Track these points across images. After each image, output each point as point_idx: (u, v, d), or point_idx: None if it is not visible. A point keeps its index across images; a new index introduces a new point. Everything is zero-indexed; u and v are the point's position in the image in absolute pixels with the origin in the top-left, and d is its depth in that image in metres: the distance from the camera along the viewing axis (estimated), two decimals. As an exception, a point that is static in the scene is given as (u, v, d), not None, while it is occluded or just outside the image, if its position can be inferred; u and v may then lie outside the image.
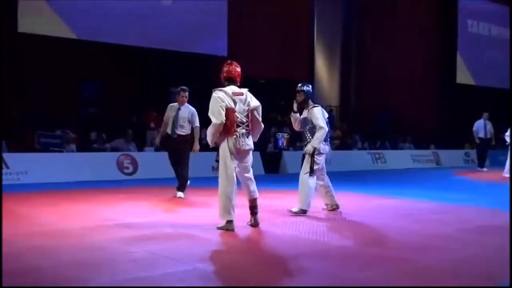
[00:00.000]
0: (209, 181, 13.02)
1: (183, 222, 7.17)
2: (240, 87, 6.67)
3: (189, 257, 5.11)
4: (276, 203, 8.67)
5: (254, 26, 20.77)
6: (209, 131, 6.45)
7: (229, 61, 6.89)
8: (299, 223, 7.05)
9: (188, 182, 10.01)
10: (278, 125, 18.98)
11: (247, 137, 6.60)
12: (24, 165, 12.66)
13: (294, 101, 8.11)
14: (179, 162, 9.98)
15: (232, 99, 6.47)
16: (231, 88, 6.57)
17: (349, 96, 25.11)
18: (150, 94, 17.97)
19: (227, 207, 6.47)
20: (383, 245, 5.88)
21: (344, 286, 4.35)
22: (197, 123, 9.91)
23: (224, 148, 6.47)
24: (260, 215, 6.89)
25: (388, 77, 24.35)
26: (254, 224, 6.78)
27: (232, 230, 6.46)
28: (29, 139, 14.18)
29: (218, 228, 6.53)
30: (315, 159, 7.80)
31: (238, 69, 6.78)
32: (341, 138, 21.01)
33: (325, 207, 8.41)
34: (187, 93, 9.93)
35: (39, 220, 7.34)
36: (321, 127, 7.81)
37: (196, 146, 9.87)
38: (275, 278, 4.54)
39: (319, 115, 7.92)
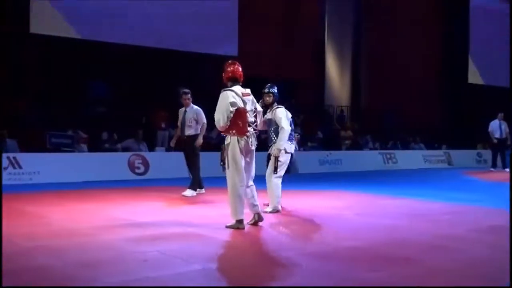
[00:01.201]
0: (219, 181, 13.06)
1: (193, 221, 7.17)
2: (244, 87, 6.69)
3: (198, 257, 5.11)
4: (286, 203, 8.64)
5: (265, 26, 20.77)
6: (220, 123, 6.44)
7: (231, 61, 6.88)
8: (308, 223, 7.03)
9: (203, 190, 10.24)
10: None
11: (255, 136, 6.65)
12: (36, 165, 12.73)
13: (261, 102, 7.90)
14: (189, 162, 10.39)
15: (242, 99, 6.51)
16: (239, 89, 6.60)
17: (359, 96, 25.03)
18: (161, 94, 18.00)
19: (237, 206, 6.49)
20: (394, 246, 5.84)
21: (354, 286, 4.33)
22: (204, 120, 10.25)
23: (234, 147, 6.47)
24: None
25: (399, 77, 24.25)
26: (258, 219, 6.77)
27: (243, 228, 6.48)
28: (40, 139, 14.26)
29: (228, 227, 6.54)
30: (279, 158, 7.87)
31: (241, 69, 6.79)
32: (352, 138, 20.94)
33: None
34: (189, 95, 10.29)
35: (50, 219, 7.36)
36: (283, 128, 7.85)
37: (199, 140, 10.18)
38: (283, 278, 4.53)
39: (282, 115, 7.98)
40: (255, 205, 6.72)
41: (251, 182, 6.67)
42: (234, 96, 6.45)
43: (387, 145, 21.53)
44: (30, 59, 15.99)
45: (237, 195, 6.49)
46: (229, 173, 6.54)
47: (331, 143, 19.90)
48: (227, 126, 6.42)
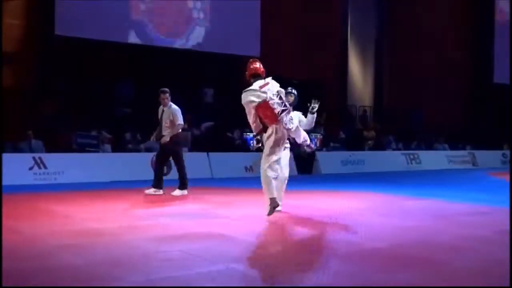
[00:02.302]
0: (242, 182, 13.09)
1: (215, 222, 7.19)
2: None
3: (222, 257, 5.12)
4: (309, 204, 8.63)
5: (287, 26, 20.75)
6: (250, 122, 7.16)
7: (252, 60, 7.41)
8: (331, 224, 7.01)
9: (186, 191, 10.20)
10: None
11: (289, 116, 7.13)
12: (61, 165, 12.90)
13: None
14: (164, 163, 10.46)
15: (261, 91, 6.96)
16: (257, 83, 7.05)
17: (382, 96, 24.87)
18: (183, 94, 18.09)
19: (271, 188, 7.11)
20: (418, 247, 5.79)
21: (376, 287, 4.31)
22: (180, 121, 10.11)
23: (271, 137, 7.06)
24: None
25: (422, 76, 24.05)
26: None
27: (277, 206, 7.19)
28: (65, 139, 14.45)
29: (269, 215, 7.08)
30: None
31: (262, 66, 7.34)
32: (374, 139, 20.80)
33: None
34: (167, 94, 10.25)
35: (74, 219, 7.44)
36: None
37: (165, 138, 10.07)
38: (305, 279, 4.52)
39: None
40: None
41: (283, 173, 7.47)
42: (252, 94, 6.96)
43: (411, 146, 21.35)
44: (56, 61, 16.17)
45: (268, 180, 7.09)
46: (263, 160, 7.16)
47: (354, 143, 19.82)
48: (260, 122, 7.03)
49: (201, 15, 18.40)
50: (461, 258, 5.28)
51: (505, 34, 25.86)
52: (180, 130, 10.33)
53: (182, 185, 10.26)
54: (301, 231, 6.65)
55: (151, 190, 10.06)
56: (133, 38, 17.07)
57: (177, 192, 10.14)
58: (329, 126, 19.67)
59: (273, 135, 7.04)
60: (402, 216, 7.99)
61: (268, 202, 7.17)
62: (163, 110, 10.20)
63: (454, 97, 25.31)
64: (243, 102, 7.03)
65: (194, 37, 18.30)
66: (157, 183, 10.17)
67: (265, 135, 7.16)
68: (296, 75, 20.14)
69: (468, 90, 26.51)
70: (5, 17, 15.10)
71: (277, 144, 7.12)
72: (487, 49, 26.39)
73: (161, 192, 10.09)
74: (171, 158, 10.73)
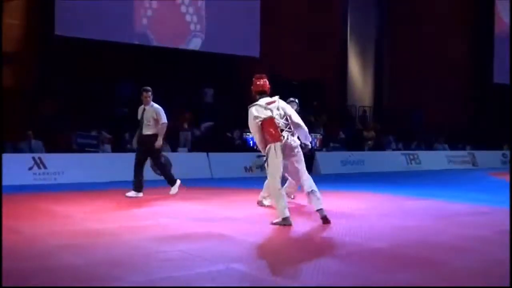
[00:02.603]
0: (242, 182, 13.10)
1: (215, 222, 7.20)
2: (271, 94, 7.12)
3: (222, 257, 5.13)
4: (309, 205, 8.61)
5: (286, 26, 20.74)
6: (256, 141, 7.07)
7: (258, 75, 7.29)
8: (333, 224, 7.01)
9: (141, 194, 9.83)
10: (310, 125, 18.85)
11: (293, 136, 7.04)
12: (60, 165, 12.90)
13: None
14: (143, 163, 10.02)
15: (268, 108, 6.92)
16: (264, 100, 7.02)
17: (382, 96, 24.89)
18: (184, 95, 18.10)
19: (283, 205, 6.85)
20: (418, 247, 5.80)
21: (377, 287, 4.32)
22: (164, 120, 9.94)
23: (272, 153, 6.80)
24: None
25: (422, 76, 24.07)
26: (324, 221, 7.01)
27: (290, 225, 6.78)
28: (65, 139, 14.45)
29: (274, 224, 6.86)
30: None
31: (268, 82, 7.25)
32: (374, 139, 20.81)
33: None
34: (150, 93, 10.02)
35: (74, 219, 7.45)
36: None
37: (158, 142, 9.89)
38: (306, 279, 4.52)
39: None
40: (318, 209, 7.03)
41: (310, 187, 7.00)
42: (258, 110, 6.92)
43: (411, 146, 21.36)
44: (56, 61, 16.19)
45: (279, 195, 6.87)
46: (270, 176, 6.95)
47: (354, 143, 19.83)
48: (262, 138, 6.91)
49: (202, 15, 18.43)
50: (461, 258, 5.28)
51: (505, 34, 25.89)
52: (165, 130, 10.06)
53: (171, 182, 10.24)
54: (301, 231, 6.65)
55: (132, 193, 9.80)
56: (131, 39, 17.12)
57: (173, 191, 10.15)
58: (329, 126, 19.68)
59: (272, 153, 6.79)
60: (402, 216, 8.00)
61: (278, 214, 6.96)
62: (144, 109, 9.96)
63: (454, 97, 25.32)
64: (249, 118, 6.92)
65: (195, 38, 18.36)
66: (138, 185, 9.82)
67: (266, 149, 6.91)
68: (296, 75, 20.18)
69: (468, 90, 26.52)
70: (5, 17, 15.12)
71: (278, 162, 6.84)
72: (487, 49, 26.39)
73: (141, 195, 9.79)
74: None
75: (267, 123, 6.82)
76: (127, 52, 17.34)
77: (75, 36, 16.03)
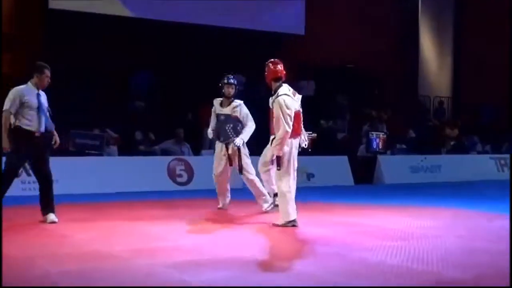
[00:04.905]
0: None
1: (245, 244, 7.30)
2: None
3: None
4: (367, 221, 8.62)
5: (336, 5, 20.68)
6: (281, 139, 7.87)
7: (273, 60, 8.32)
8: (399, 248, 6.98)
9: None
10: (371, 122, 18.68)
11: (305, 134, 8.57)
12: (54, 172, 12.96)
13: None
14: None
15: (294, 100, 8.07)
16: (287, 88, 8.07)
17: (460, 85, 24.65)
18: (212, 83, 18.18)
19: (293, 206, 8.22)
20: (507, 277, 5.75)
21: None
22: None
23: (291, 149, 8.10)
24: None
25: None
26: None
27: (296, 226, 8.18)
28: (60, 139, 14.59)
29: (280, 225, 8.21)
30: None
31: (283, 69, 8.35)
32: (457, 139, 20.49)
33: None
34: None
35: (73, 239, 7.57)
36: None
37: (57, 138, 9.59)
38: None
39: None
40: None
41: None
42: (291, 102, 8.01)
43: (501, 148, 21.02)
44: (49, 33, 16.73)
45: (291, 196, 8.20)
46: (283, 174, 8.17)
47: (427, 144, 19.64)
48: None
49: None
50: None
51: None
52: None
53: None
54: (358, 256, 6.66)
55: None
56: (150, 14, 17.60)
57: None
58: (394, 123, 19.46)
59: (292, 146, 8.14)
60: (489, 239, 7.92)
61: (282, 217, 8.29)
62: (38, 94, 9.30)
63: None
64: (282, 107, 7.87)
65: (227, 12, 18.58)
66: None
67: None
68: (347, 59, 20.01)
69: None
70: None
71: (292, 159, 8.19)
72: None
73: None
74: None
75: (295, 117, 8.00)
76: (143, 31, 17.60)
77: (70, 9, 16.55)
